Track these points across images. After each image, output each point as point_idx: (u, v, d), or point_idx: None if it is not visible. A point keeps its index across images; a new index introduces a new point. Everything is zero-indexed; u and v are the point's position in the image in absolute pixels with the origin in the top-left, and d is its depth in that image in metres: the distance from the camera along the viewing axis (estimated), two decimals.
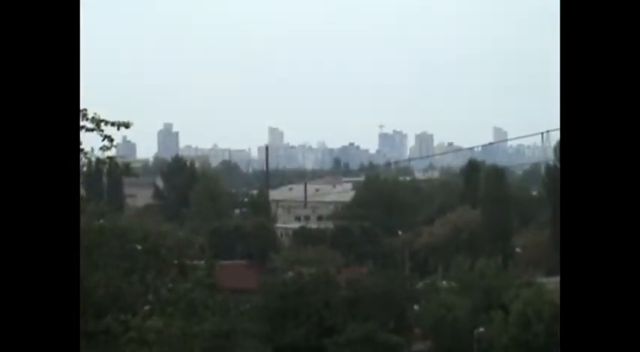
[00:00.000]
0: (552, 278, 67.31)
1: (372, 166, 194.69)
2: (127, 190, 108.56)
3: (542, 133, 58.58)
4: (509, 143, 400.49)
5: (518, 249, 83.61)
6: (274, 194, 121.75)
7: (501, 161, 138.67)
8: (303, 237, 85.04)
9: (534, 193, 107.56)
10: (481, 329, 50.46)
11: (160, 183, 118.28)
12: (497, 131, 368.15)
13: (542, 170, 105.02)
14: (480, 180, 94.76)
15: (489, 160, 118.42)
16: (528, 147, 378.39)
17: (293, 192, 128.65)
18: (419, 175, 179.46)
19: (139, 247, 18.00)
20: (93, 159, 13.32)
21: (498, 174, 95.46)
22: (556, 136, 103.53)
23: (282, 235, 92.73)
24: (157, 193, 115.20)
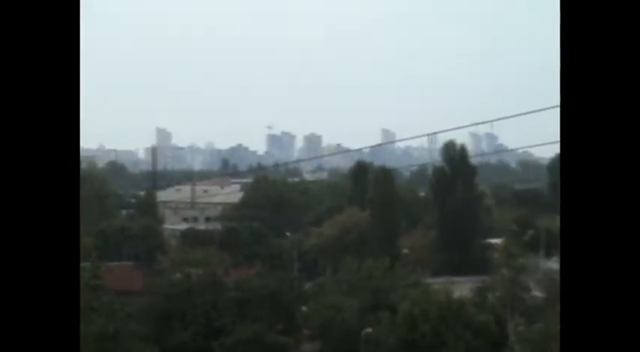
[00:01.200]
0: (438, 278, 68.23)
1: (260, 167, 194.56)
2: None
3: (428, 135, 59.39)
4: (397, 144, 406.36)
5: (405, 250, 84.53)
6: (162, 195, 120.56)
7: (389, 162, 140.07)
8: (190, 238, 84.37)
9: (422, 194, 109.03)
10: (369, 330, 50.79)
11: None
12: (386, 132, 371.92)
13: (430, 171, 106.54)
14: (369, 181, 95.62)
15: (377, 161, 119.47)
16: (416, 148, 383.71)
17: (181, 193, 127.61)
18: (307, 176, 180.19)
19: None
20: None
21: (386, 175, 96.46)
22: (443, 138, 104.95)
23: (169, 236, 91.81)
24: None
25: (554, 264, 47.34)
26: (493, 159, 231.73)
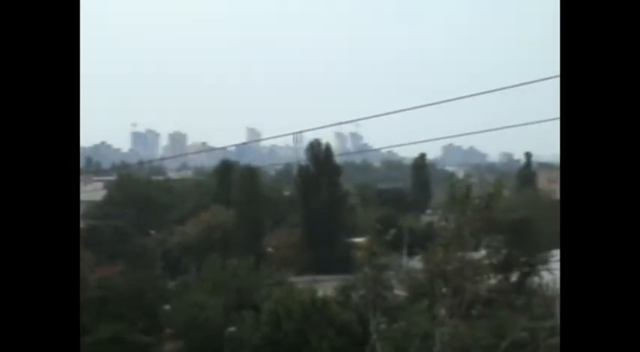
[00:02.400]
0: (303, 277, 68.58)
1: (124, 165, 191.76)
2: None
3: (294, 134, 59.58)
4: (262, 143, 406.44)
5: (270, 249, 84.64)
6: None
7: (255, 161, 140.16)
8: None
9: (287, 193, 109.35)
10: (232, 329, 50.64)
11: None
12: (251, 131, 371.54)
13: (295, 170, 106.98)
14: (233, 180, 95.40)
15: (243, 160, 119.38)
16: (282, 147, 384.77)
17: None
18: (172, 175, 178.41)
19: None
20: None
21: (251, 174, 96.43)
22: (308, 137, 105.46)
23: None
24: None
25: (416, 263, 48.11)
26: (358, 159, 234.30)
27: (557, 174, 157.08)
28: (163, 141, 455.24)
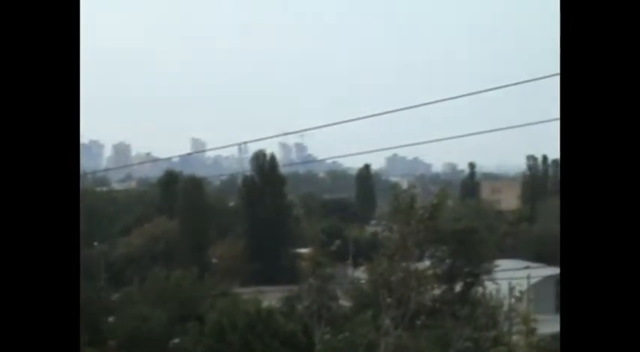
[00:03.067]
0: (247, 288, 68.37)
1: None
2: None
3: (239, 144, 59.52)
4: (207, 154, 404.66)
5: (214, 260, 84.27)
6: None
7: (199, 171, 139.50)
8: None
9: (231, 204, 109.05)
10: (176, 340, 50.32)
11: None
12: (196, 142, 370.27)
13: (239, 181, 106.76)
14: (178, 190, 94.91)
15: (187, 171, 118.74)
16: (226, 158, 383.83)
17: None
18: (116, 186, 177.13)
19: None
20: None
21: (196, 184, 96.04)
22: (253, 147, 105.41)
23: None
24: None
25: (360, 274, 48.29)
26: (302, 169, 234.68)
27: (500, 185, 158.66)
28: (107, 152, 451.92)
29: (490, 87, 15.48)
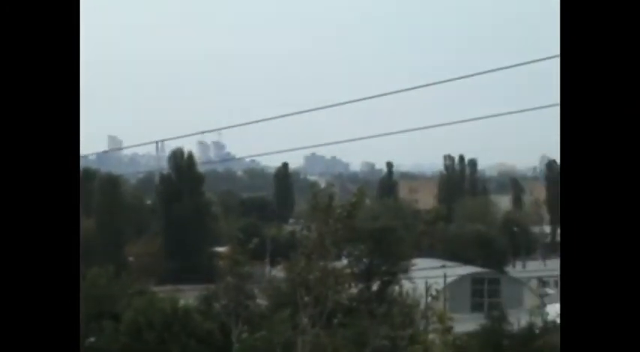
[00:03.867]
0: (164, 286, 67.86)
1: None
2: None
3: (156, 142, 59.02)
4: (124, 151, 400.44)
5: (131, 258, 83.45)
6: None
7: (116, 169, 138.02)
8: None
9: (148, 202, 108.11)
10: (92, 339, 49.69)
11: None
12: (112, 139, 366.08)
13: (157, 179, 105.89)
14: (94, 188, 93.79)
15: (104, 168, 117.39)
16: (143, 155, 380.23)
17: None
18: None
19: None
20: None
21: (112, 182, 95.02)
22: (170, 145, 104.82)
23: None
24: None
25: (278, 272, 48.33)
26: (220, 168, 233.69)
27: (417, 184, 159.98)
28: None
29: (408, 87, 15.62)
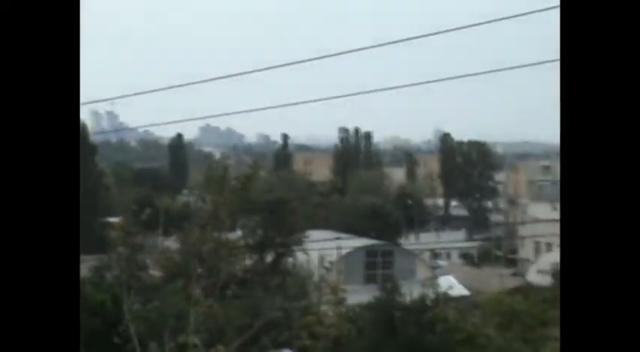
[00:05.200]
0: None
1: None
2: None
3: None
4: None
5: None
6: None
7: None
8: None
9: None
10: None
11: None
12: None
13: None
14: None
15: None
16: None
17: None
18: None
19: None
20: None
21: None
22: None
23: None
24: None
25: (172, 243, 47.88)
26: (114, 138, 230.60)
27: (312, 156, 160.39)
28: None
29: (303, 58, 15.53)
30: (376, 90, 19.06)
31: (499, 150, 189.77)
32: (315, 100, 21.26)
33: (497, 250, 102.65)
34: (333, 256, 61.39)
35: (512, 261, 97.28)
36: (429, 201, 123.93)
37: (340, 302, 13.58)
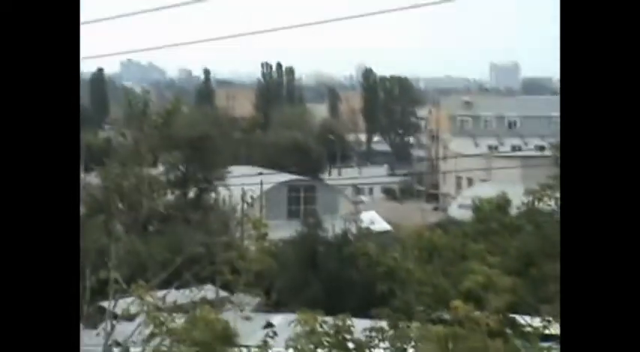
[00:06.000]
0: None
1: None
2: None
3: None
4: None
5: None
6: None
7: None
8: None
9: None
10: None
11: None
12: None
13: None
14: None
15: None
16: None
17: None
18: None
19: None
20: None
21: None
22: None
23: None
24: None
25: (93, 179, 47.80)
26: None
27: (235, 92, 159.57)
28: None
29: None
30: (299, 26, 18.99)
31: (421, 85, 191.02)
32: (237, 35, 21.06)
33: (419, 185, 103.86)
34: (255, 192, 61.50)
35: (434, 196, 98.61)
36: (351, 137, 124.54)
37: (262, 237, 13.60)
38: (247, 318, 13.77)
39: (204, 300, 13.57)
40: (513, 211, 16.89)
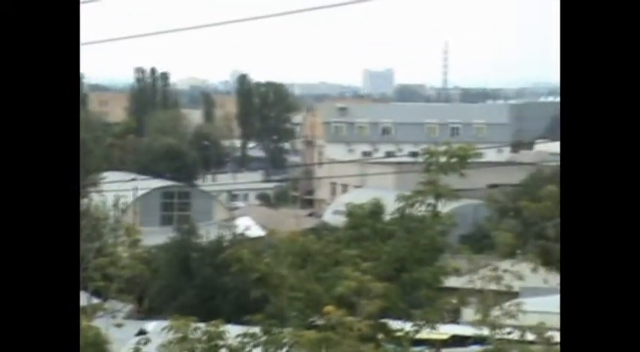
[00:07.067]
0: None
1: None
2: None
3: None
4: None
5: None
6: None
7: None
8: None
9: None
10: None
11: None
12: None
13: None
14: None
15: None
16: None
17: None
18: None
19: None
20: None
21: None
22: None
23: None
24: None
25: None
26: None
27: (108, 96, 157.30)
28: None
29: None
30: (174, 30, 18.87)
31: (296, 91, 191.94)
32: (110, 40, 20.82)
33: (294, 191, 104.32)
34: (129, 198, 60.72)
35: (308, 202, 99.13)
36: (226, 142, 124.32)
37: (135, 243, 13.53)
38: (119, 325, 13.63)
39: None
40: (387, 217, 17.11)
